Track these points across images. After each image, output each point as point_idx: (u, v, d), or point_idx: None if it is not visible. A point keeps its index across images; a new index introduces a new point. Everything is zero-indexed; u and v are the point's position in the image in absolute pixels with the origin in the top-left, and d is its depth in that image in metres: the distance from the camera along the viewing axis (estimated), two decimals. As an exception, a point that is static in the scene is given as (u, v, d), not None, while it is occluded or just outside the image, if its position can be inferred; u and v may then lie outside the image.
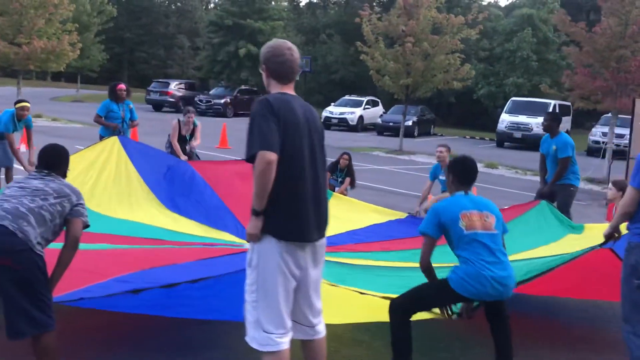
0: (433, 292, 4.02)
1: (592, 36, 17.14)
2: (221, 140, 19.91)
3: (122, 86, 9.77)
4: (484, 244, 3.94)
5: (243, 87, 36.67)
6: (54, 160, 4.01)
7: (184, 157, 9.83)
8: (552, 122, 8.45)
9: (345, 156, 11.08)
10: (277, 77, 3.50)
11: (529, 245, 6.73)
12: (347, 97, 34.62)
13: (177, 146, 10.15)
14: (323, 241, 3.55)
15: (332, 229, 8.48)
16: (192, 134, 10.38)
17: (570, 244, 6.24)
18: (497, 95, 34.14)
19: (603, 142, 26.75)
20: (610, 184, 7.86)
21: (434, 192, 10.07)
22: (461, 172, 4.24)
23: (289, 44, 3.55)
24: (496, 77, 34.27)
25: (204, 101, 33.54)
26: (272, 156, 3.23)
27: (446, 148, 9.70)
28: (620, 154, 26.55)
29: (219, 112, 32.65)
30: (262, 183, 3.24)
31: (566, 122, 30.16)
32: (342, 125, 31.64)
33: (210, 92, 36.52)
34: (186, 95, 34.63)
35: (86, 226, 3.87)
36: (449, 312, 4.08)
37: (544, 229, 7.46)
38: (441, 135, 32.83)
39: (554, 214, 7.79)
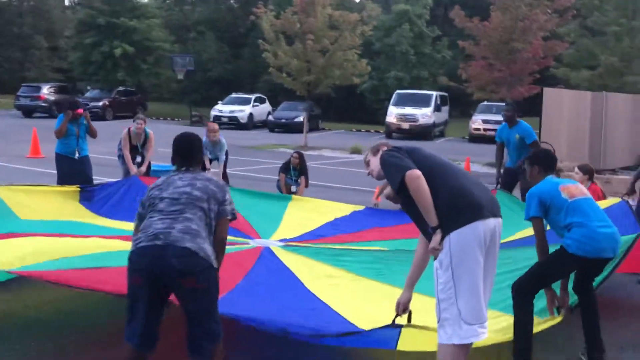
0: (552, 264, 4.37)
1: (487, 30, 18.37)
2: (32, 148, 16.57)
3: None
4: (587, 207, 4.37)
5: (121, 88, 35.34)
6: (189, 151, 3.87)
7: (134, 170, 9.51)
8: (513, 112, 9.09)
9: (296, 155, 11.20)
10: None
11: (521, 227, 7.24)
12: (234, 95, 34.42)
13: (128, 157, 9.74)
14: (499, 222, 3.74)
15: (314, 223, 8.68)
16: (144, 144, 10.00)
17: None
18: (379, 89, 35.47)
19: (483, 129, 28.82)
20: (576, 169, 8.65)
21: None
22: (546, 161, 4.64)
23: None
24: (377, 72, 35.55)
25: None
26: (417, 171, 3.56)
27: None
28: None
29: (97, 115, 31.18)
30: (424, 197, 3.53)
31: (445, 112, 32.09)
32: (233, 123, 31.46)
33: (86, 95, 34.80)
34: (60, 99, 32.77)
35: (234, 219, 3.82)
36: (555, 313, 4.43)
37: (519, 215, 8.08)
38: (329, 129, 33.65)
39: (515, 202, 8.45)
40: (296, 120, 31.18)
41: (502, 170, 9.59)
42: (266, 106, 34.36)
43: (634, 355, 4.74)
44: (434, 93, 30.76)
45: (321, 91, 22.99)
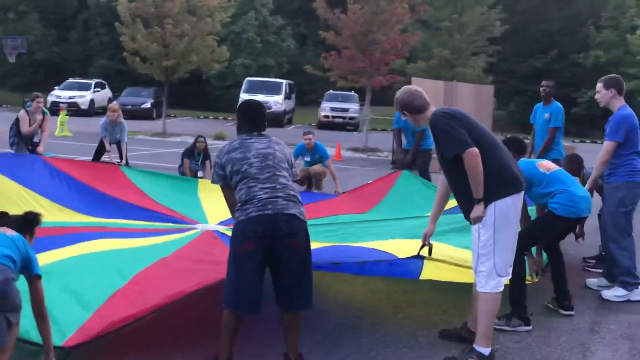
0: (542, 225, 5.10)
1: (349, 22, 19.27)
2: None
3: None
4: (563, 177, 5.15)
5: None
6: (259, 116, 4.10)
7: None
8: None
9: (201, 139, 11.22)
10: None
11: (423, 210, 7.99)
12: (71, 79, 32.47)
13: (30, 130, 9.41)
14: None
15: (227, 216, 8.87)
16: (41, 125, 9.56)
17: None
18: (226, 75, 35.36)
19: (332, 117, 30.07)
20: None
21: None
22: (518, 146, 5.32)
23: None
24: (205, 57, 35.33)
25: None
26: (475, 150, 4.00)
27: (313, 135, 10.80)
28: (349, 125, 30.14)
29: None
30: (478, 174, 4.00)
31: (293, 100, 32.90)
32: (72, 109, 29.73)
33: None
34: None
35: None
36: (535, 275, 5.17)
37: (422, 195, 8.88)
38: (174, 116, 33.03)
39: (420, 181, 9.29)
40: (143, 106, 30.30)
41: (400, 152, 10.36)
42: (107, 92, 32.91)
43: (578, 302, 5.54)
44: (284, 81, 31.43)
45: (180, 77, 22.59)
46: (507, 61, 39.72)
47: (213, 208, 8.58)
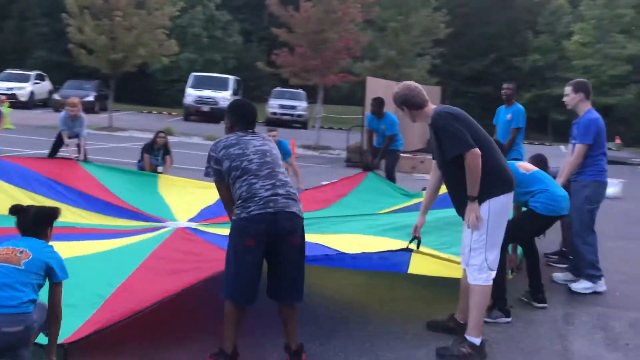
0: (523, 222, 5.29)
1: (302, 20, 19.36)
2: None
3: None
4: (542, 177, 5.39)
5: None
6: (253, 115, 4.15)
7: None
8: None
9: (162, 134, 11.09)
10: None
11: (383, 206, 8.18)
12: (9, 70, 31.34)
13: None
14: None
15: (201, 202, 8.90)
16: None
17: None
18: (172, 70, 34.85)
19: (280, 114, 30.10)
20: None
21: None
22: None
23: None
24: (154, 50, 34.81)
25: None
26: (477, 151, 4.18)
27: (277, 132, 10.87)
28: (297, 123, 30.23)
29: None
30: (477, 174, 4.18)
31: (239, 96, 32.69)
32: (11, 101, 28.70)
33: None
34: None
35: None
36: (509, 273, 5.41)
37: (386, 195, 9.08)
38: (117, 110, 32.32)
39: (385, 182, 9.49)
40: (86, 99, 29.49)
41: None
42: (47, 84, 31.97)
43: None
44: (231, 77, 31.24)
45: (128, 70, 22.17)
46: (449, 63, 40.62)
47: (178, 205, 8.55)
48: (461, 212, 4.40)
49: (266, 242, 3.78)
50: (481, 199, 4.25)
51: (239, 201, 3.82)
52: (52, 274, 3.50)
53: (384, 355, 4.31)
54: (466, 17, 43.35)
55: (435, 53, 33.95)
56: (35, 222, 3.59)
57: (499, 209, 4.30)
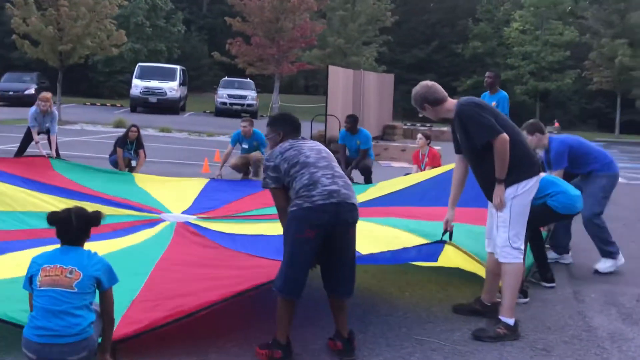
0: (539, 217, 5.40)
1: (256, 8, 19.22)
2: None
3: None
4: (556, 180, 5.63)
5: None
6: (299, 124, 4.26)
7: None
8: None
9: (134, 128, 10.87)
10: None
11: None
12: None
13: None
14: None
15: (186, 196, 8.83)
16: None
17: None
18: (114, 60, 33.96)
19: (230, 104, 29.81)
20: (419, 135, 10.08)
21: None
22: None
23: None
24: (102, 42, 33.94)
25: None
26: (506, 136, 4.32)
27: (249, 122, 10.79)
28: (247, 112, 29.97)
29: None
30: (506, 158, 4.34)
31: (185, 88, 32.20)
32: (-56, 95, 27.53)
33: None
34: None
35: None
36: None
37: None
38: (62, 103, 31.33)
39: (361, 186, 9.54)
40: (27, 92, 28.54)
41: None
42: (-20, 77, 30.66)
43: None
44: (178, 67, 30.70)
45: (75, 62, 21.51)
46: (392, 51, 41.13)
47: (165, 197, 8.42)
48: (491, 196, 4.54)
49: (325, 233, 3.80)
50: (508, 182, 4.41)
51: (301, 190, 3.83)
52: (101, 284, 3.45)
53: (423, 339, 4.40)
54: (408, 5, 43.93)
55: (381, 41, 34.30)
56: (78, 231, 3.49)
57: (524, 192, 4.46)
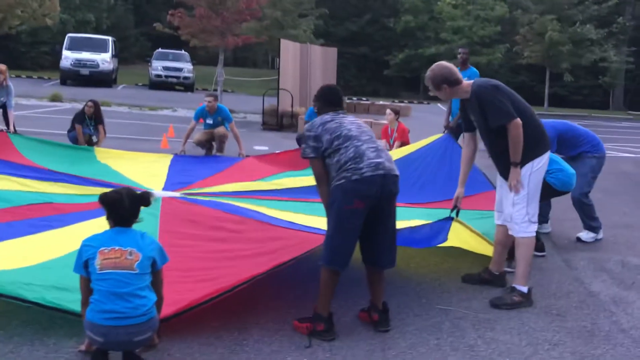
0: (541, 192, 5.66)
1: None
2: None
3: None
4: (555, 158, 5.82)
5: None
6: (341, 98, 4.33)
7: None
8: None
9: (90, 104, 10.53)
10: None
11: None
12: None
13: None
14: None
15: (157, 172, 8.71)
16: None
17: None
18: (39, 31, 32.33)
19: (165, 76, 29.16)
20: (388, 110, 10.22)
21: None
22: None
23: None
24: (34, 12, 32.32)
25: None
26: (519, 121, 4.52)
27: (214, 98, 10.65)
28: (183, 85, 29.45)
29: None
30: (520, 142, 4.53)
31: (116, 60, 31.16)
32: None
33: None
34: None
35: None
36: None
37: None
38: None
39: None
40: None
41: None
42: None
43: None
44: (109, 38, 29.64)
45: (6, 32, 20.45)
46: (326, 24, 41.04)
47: (135, 172, 8.21)
48: (505, 174, 4.73)
49: (372, 205, 3.89)
50: (524, 161, 4.61)
51: (348, 163, 3.89)
52: (155, 264, 3.44)
53: (447, 308, 4.58)
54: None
55: (317, 14, 34.19)
56: (130, 211, 3.44)
57: (538, 168, 4.69)
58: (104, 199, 3.44)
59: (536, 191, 4.71)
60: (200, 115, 10.78)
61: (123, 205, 3.40)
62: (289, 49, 17.09)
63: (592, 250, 6.34)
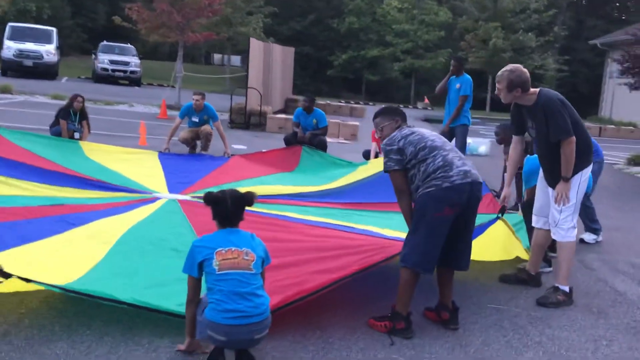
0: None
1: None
2: None
3: None
4: None
5: None
6: (404, 113, 4.53)
7: None
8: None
9: (80, 98, 10.30)
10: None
11: (330, 178, 8.50)
12: None
13: None
14: None
15: (153, 171, 8.71)
16: None
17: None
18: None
19: (112, 70, 28.48)
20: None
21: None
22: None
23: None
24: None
25: None
26: (574, 138, 4.77)
27: (202, 96, 10.59)
28: (129, 79, 28.83)
29: None
30: (572, 157, 4.78)
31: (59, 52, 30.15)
32: None
33: None
34: None
35: None
36: None
37: (334, 165, 9.41)
38: None
39: (320, 154, 9.82)
40: None
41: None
42: None
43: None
44: (54, 29, 28.68)
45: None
46: (272, 23, 41.02)
47: (135, 174, 8.08)
48: (552, 183, 4.99)
49: (459, 211, 4.07)
50: (575, 171, 4.88)
51: (438, 172, 4.05)
52: (262, 264, 3.53)
53: (499, 307, 4.82)
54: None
55: (266, 12, 34.15)
56: (234, 211, 3.51)
57: (584, 179, 4.99)
58: (207, 198, 3.52)
59: (580, 199, 5.02)
60: (186, 113, 10.69)
61: (225, 205, 3.46)
62: (256, 48, 17.09)
63: (598, 252, 6.74)
